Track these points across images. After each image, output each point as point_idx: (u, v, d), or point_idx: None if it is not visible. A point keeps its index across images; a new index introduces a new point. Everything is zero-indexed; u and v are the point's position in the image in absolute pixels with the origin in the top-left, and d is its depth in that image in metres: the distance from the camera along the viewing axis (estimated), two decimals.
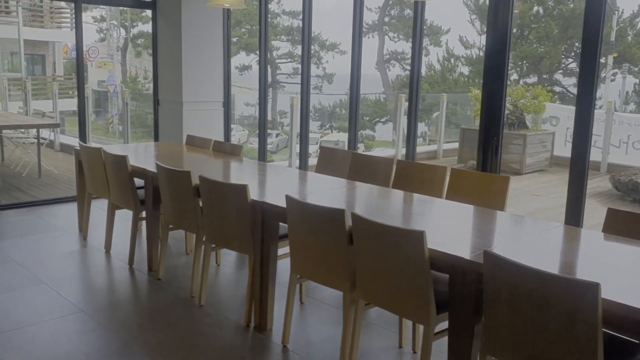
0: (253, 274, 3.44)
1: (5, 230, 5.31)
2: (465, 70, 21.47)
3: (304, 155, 6.45)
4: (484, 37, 21.06)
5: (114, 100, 21.00)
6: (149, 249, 4.37)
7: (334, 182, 4.04)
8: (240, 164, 4.75)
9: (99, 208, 5.86)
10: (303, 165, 6.36)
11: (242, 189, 3.35)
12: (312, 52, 22.33)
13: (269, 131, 19.09)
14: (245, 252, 3.47)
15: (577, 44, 19.49)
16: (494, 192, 3.93)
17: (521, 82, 20.33)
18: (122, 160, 4.33)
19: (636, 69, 18.60)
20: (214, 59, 6.87)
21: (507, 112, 10.04)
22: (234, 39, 19.66)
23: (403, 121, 10.67)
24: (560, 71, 20.39)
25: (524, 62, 20.01)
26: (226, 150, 5.23)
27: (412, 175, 4.37)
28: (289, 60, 22.79)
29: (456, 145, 12.13)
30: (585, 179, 4.24)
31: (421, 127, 20.07)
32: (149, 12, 6.71)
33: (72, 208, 6.15)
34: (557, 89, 19.75)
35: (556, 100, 10.80)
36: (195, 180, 3.73)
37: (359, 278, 2.78)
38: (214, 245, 3.75)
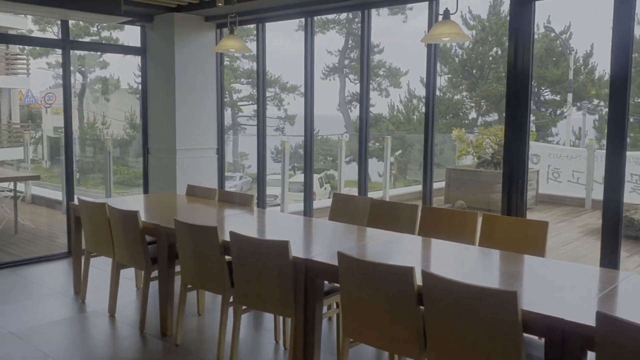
0: (295, 338, 3.13)
1: None
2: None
3: (262, 196, 6.44)
4: (444, 77, 21.50)
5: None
6: (163, 311, 4.00)
7: (371, 233, 3.81)
8: (259, 216, 4.48)
9: (93, 267, 5.44)
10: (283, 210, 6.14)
11: (283, 246, 3.08)
12: (274, 94, 22.35)
13: (231, 174, 18.81)
14: (286, 314, 3.17)
15: (534, 83, 20.10)
16: (531, 238, 3.77)
17: (480, 120, 20.73)
18: (131, 216, 3.99)
19: (590, 105, 19.18)
20: (207, 104, 6.63)
21: (491, 151, 10.08)
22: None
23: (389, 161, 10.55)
24: None
25: (483, 101, 20.45)
26: (234, 200, 4.94)
27: (440, 221, 4.18)
28: (250, 102, 22.76)
29: (439, 185, 12.11)
30: (621, 222, 4.12)
31: (380, 166, 20.21)
32: (106, 57, 6.43)
33: (59, 267, 5.74)
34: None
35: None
36: (224, 237, 3.44)
37: (432, 343, 2.53)
38: (244, 307, 3.44)
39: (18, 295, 4.85)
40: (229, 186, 17.31)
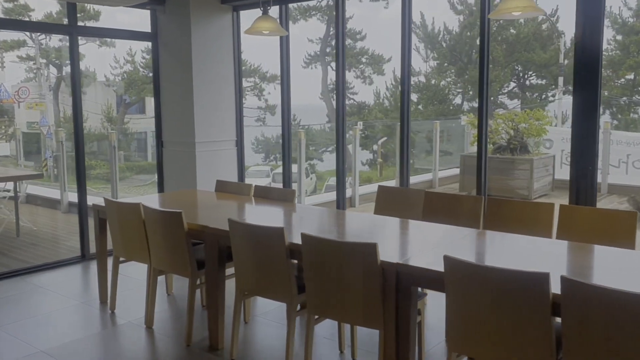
0: (385, 352, 2.76)
1: (5, 307, 4.38)
2: (414, 97, 21.52)
3: None
4: (429, 63, 21.17)
5: (47, 142, 19.64)
6: (212, 322, 3.59)
7: (450, 230, 3.45)
8: (311, 213, 4.09)
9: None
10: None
11: (370, 249, 2.70)
12: (253, 84, 21.77)
13: None
14: (373, 325, 2.80)
15: (519, 68, 19.92)
16: (618, 229, 3.45)
17: (466, 105, 20.46)
18: (174, 217, 3.57)
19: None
20: (225, 93, 6.20)
21: (507, 137, 9.78)
22: None
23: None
24: (505, 93, 20.79)
25: (469, 86, 20.21)
26: (272, 196, 4.53)
27: (508, 214, 3.84)
28: None
29: (447, 172, 11.80)
30: None
31: (366, 155, 19.85)
32: (82, 49, 5.98)
33: (74, 272, 5.31)
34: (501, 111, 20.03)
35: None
36: (292, 239, 3.05)
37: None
38: (316, 317, 3.06)
39: (39, 306, 4.40)
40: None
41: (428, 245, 3.09)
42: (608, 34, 16.92)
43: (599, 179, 10.23)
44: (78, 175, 5.63)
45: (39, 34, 19.23)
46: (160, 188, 6.33)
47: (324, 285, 2.90)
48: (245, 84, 21.34)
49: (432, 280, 2.58)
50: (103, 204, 4.17)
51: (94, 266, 5.34)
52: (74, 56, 5.46)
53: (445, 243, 3.11)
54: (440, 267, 2.48)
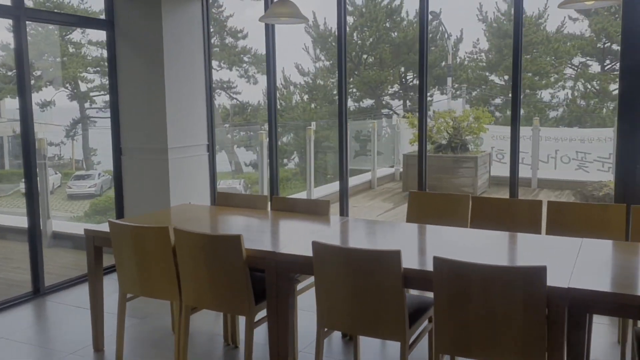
0: None
1: None
2: (305, 97, 21.46)
3: None
4: (318, 64, 21.16)
5: None
6: None
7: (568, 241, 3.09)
8: (379, 227, 3.57)
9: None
10: None
11: (537, 273, 2.26)
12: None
13: (87, 172, 16.71)
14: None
15: (402, 69, 20.55)
16: None
17: (353, 106, 20.71)
18: (229, 242, 2.88)
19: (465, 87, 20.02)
20: (196, 93, 5.43)
21: (447, 135, 9.80)
22: (37, 72, 17.07)
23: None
24: (389, 94, 21.42)
25: (354, 88, 20.46)
26: (299, 209, 3.91)
27: (572, 218, 3.61)
28: (102, 92, 20.57)
29: (381, 172, 11.65)
30: None
31: (250, 155, 19.41)
32: None
33: (27, 313, 4.32)
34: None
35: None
36: (408, 263, 2.53)
37: None
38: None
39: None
40: (88, 186, 15.24)
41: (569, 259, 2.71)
42: None
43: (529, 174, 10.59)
44: (28, 196, 4.59)
45: None
46: (119, 203, 5.40)
47: (467, 319, 2.41)
48: None
49: (610, 305, 2.20)
50: (97, 229, 3.35)
51: (53, 303, 4.43)
52: (22, 44, 4.41)
53: (591, 257, 2.74)
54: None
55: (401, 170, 10.34)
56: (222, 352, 3.59)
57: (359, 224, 3.74)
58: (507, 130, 12.10)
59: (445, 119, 9.73)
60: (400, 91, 21.76)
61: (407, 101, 21.48)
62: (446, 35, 21.01)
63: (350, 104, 20.75)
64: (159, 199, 5.15)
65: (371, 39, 20.67)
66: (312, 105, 21.23)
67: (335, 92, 20.21)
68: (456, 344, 2.46)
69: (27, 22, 4.43)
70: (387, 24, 20.63)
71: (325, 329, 2.79)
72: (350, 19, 19.69)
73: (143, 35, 5.06)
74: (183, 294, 3.12)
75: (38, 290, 4.64)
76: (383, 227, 3.78)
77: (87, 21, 5.04)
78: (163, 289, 3.20)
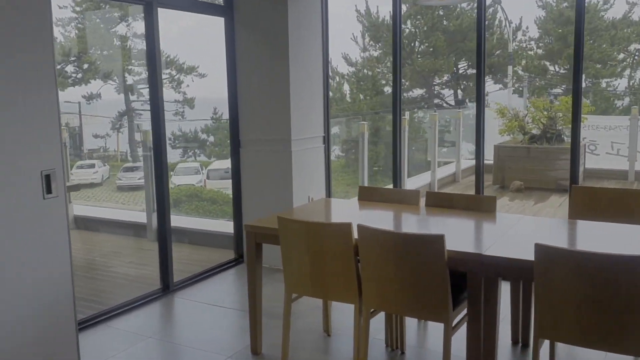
0: None
1: None
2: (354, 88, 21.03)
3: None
4: (365, 54, 20.54)
5: None
6: None
7: None
8: (551, 224, 3.26)
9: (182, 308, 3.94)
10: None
11: None
12: (170, 76, 20.38)
13: (89, 161, 16.54)
14: None
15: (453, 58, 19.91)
16: None
17: (403, 95, 20.04)
18: (428, 242, 2.62)
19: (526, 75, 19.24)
20: (315, 82, 5.19)
21: (542, 126, 9.33)
22: (85, 65, 17.04)
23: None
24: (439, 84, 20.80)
25: (404, 78, 19.90)
26: (460, 205, 3.62)
27: None
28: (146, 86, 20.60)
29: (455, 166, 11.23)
30: None
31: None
32: None
33: (155, 310, 4.15)
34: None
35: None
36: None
37: None
38: None
39: None
40: (138, 177, 15.07)
41: None
42: None
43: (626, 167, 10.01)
44: (157, 190, 4.45)
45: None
46: (237, 199, 5.23)
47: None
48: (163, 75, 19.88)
49: None
50: (259, 224, 3.14)
51: (184, 300, 4.28)
52: (154, 26, 4.25)
53: None
54: None
55: (491, 162, 9.91)
56: None
57: (558, 224, 3.43)
58: (599, 120, 11.56)
59: (541, 107, 9.27)
60: (452, 81, 21.20)
61: (459, 90, 20.89)
62: (504, 23, 20.29)
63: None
64: (281, 193, 4.96)
65: (425, 28, 20.18)
66: (361, 97, 20.87)
67: (383, 81, 19.75)
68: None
69: (157, 8, 4.26)
70: (441, 12, 20.08)
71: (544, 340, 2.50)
72: (403, 7, 19.23)
73: (267, 22, 4.85)
74: (364, 296, 2.89)
75: (167, 287, 4.51)
76: (606, 227, 3.45)
77: (207, 7, 4.83)
78: (340, 290, 2.97)
